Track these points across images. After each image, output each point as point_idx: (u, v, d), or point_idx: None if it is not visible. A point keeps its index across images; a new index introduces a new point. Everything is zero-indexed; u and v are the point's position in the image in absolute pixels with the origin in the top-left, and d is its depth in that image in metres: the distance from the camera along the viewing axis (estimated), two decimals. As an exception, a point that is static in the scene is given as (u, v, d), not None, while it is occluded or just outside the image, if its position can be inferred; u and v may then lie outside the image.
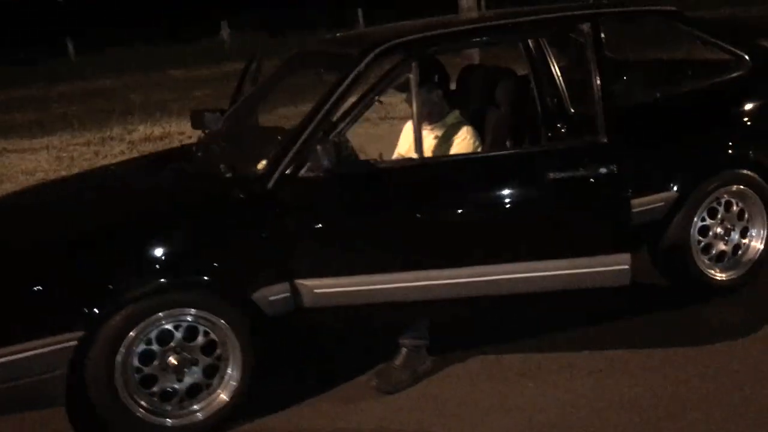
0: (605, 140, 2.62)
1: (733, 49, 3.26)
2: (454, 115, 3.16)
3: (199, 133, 3.72)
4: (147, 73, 15.74)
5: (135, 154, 7.23)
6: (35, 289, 2.42)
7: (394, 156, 3.31)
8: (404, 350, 2.87)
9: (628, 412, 2.52)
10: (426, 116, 3.12)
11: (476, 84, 3.16)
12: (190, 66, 16.41)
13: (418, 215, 2.66)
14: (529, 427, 2.52)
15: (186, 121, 8.66)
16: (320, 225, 2.65)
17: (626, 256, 2.64)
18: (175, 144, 7.67)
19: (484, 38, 3.25)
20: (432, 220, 2.68)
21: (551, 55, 3.03)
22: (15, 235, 2.77)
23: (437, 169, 2.81)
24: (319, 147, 2.48)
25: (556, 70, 3.03)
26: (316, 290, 2.64)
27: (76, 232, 2.62)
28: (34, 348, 2.39)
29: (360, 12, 18.50)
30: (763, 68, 3.24)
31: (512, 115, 3.06)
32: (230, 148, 3.11)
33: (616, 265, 2.65)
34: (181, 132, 8.19)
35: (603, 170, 2.57)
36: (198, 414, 2.62)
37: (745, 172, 3.16)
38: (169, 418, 2.59)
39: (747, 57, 3.23)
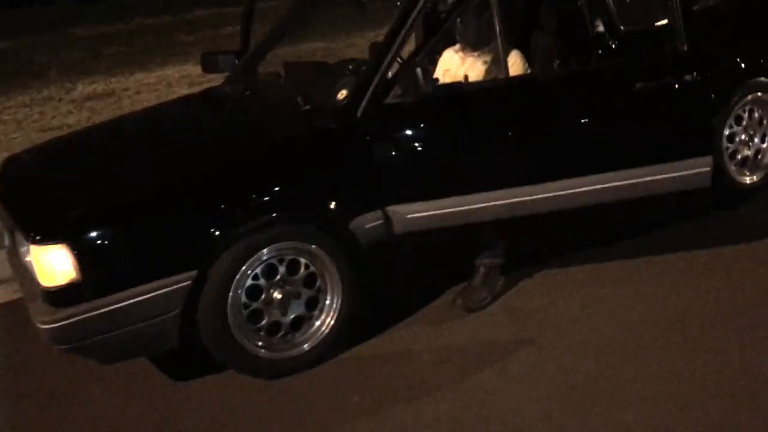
0: (686, 49, 2.78)
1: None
2: (500, 41, 3.21)
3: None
4: (45, 33, 14.87)
5: (85, 113, 6.91)
6: (150, 232, 2.36)
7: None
8: (482, 270, 2.98)
9: (698, 309, 2.74)
10: (474, 42, 3.19)
11: (518, 7, 3.22)
12: (93, 23, 15.61)
13: (507, 134, 2.73)
14: (617, 325, 2.69)
15: (126, 77, 8.50)
16: (409, 150, 2.67)
17: (708, 159, 2.82)
18: (125, 98, 7.41)
19: None
20: (521, 138, 2.76)
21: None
22: (111, 175, 2.67)
23: (524, 88, 2.87)
24: (419, 70, 2.49)
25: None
26: (407, 216, 2.68)
27: (179, 174, 2.55)
28: (152, 290, 2.34)
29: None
30: None
31: (557, 36, 3.16)
32: (291, 83, 3.06)
33: (700, 167, 2.83)
34: (125, 88, 7.88)
35: (687, 77, 2.73)
36: (303, 345, 2.64)
37: (763, 79, 3.40)
38: (277, 351, 2.60)
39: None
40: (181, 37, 12.49)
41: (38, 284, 2.34)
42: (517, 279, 3.08)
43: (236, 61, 3.67)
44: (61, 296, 2.29)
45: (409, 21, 2.69)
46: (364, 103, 2.61)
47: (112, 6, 17.20)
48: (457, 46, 3.26)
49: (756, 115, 3.48)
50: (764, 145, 3.53)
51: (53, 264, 2.26)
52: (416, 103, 2.63)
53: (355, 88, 2.68)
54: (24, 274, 2.57)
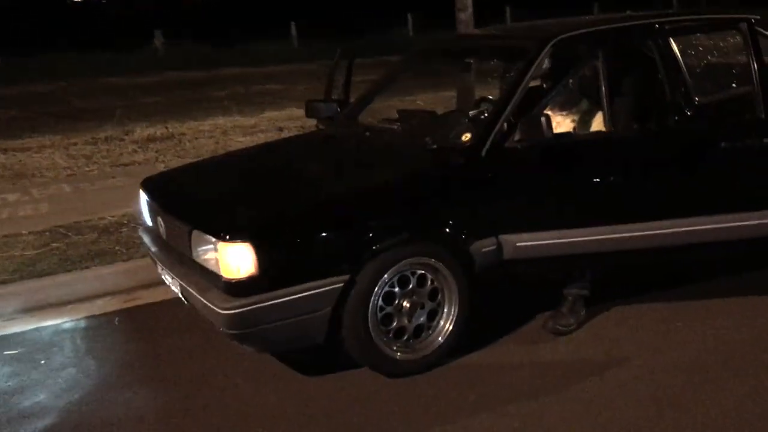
0: (763, 116, 3.28)
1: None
2: (586, 103, 3.73)
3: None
4: (80, 79, 15.51)
5: (151, 153, 7.38)
6: (316, 238, 2.77)
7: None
8: (570, 299, 3.39)
9: (745, 347, 3.12)
10: (562, 104, 3.69)
11: (602, 73, 3.70)
12: (126, 74, 16.27)
13: (607, 180, 3.17)
14: (688, 356, 3.08)
15: (177, 123, 9.01)
16: (522, 188, 3.11)
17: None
18: (185, 142, 7.90)
19: (642, 36, 3.69)
20: (618, 184, 3.19)
21: (678, 51, 3.65)
22: (272, 192, 3.11)
23: (625, 141, 3.35)
24: (543, 119, 2.96)
25: (683, 65, 3.65)
26: (517, 244, 3.11)
27: (333, 194, 2.98)
28: (312, 288, 2.74)
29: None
30: None
31: (637, 101, 3.65)
32: (412, 127, 3.54)
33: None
34: (182, 133, 8.38)
35: (765, 140, 3.23)
36: (421, 351, 3.03)
37: None
38: (400, 353, 2.99)
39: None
40: (213, 93, 13.06)
41: (220, 277, 2.74)
42: (601, 309, 3.50)
43: (338, 110, 4.17)
44: (240, 287, 2.69)
45: (526, 79, 3.18)
46: (487, 145, 3.07)
47: (140, 59, 17.97)
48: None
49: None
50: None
51: (237, 260, 2.67)
52: (531, 148, 3.08)
53: (479, 132, 3.15)
54: (192, 270, 2.97)
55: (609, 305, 3.54)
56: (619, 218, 3.16)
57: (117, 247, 4.71)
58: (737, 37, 3.57)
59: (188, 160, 6.09)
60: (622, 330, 3.34)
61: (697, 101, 3.60)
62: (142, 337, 3.65)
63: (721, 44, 4.70)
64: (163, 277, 3.35)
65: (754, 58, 3.28)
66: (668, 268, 3.63)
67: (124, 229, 5.05)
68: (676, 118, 3.58)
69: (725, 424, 2.59)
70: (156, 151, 7.46)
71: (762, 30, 3.78)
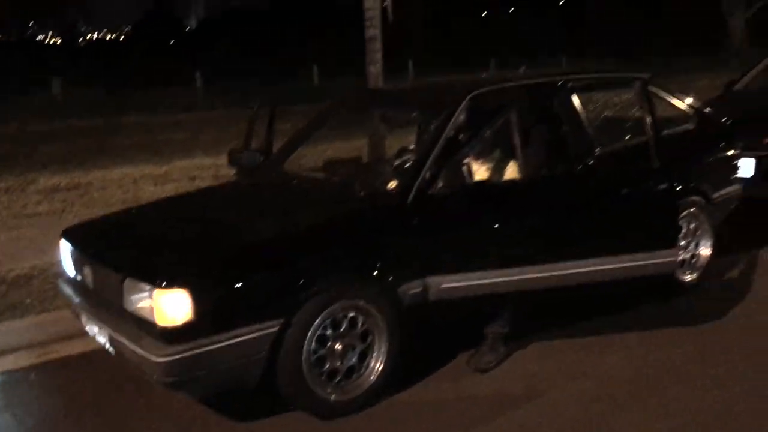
0: (658, 165, 3.60)
1: (684, 107, 4.50)
2: (499, 152, 3.99)
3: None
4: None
5: (57, 204, 7.17)
6: (251, 283, 2.84)
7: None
8: (490, 337, 3.57)
9: (647, 374, 3.38)
10: (477, 153, 3.92)
11: (513, 128, 3.97)
12: (23, 122, 15.70)
13: (521, 224, 3.40)
14: (600, 386, 3.31)
15: (84, 172, 8.79)
16: (445, 232, 3.29)
17: (675, 251, 3.59)
18: (93, 191, 7.71)
19: (549, 92, 3.94)
20: (531, 227, 3.43)
21: (580, 106, 3.98)
22: (204, 238, 3.17)
23: (536, 188, 3.60)
24: (463, 168, 3.17)
25: (584, 118, 3.97)
26: (442, 285, 3.27)
27: (266, 240, 3.06)
28: (249, 333, 2.80)
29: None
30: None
31: (545, 151, 3.93)
32: (339, 175, 3.67)
33: (670, 257, 3.58)
34: (88, 182, 8.18)
35: (660, 186, 3.54)
36: (354, 392, 3.11)
37: (695, 198, 4.31)
38: (334, 395, 3.06)
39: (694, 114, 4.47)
40: (117, 141, 12.79)
41: (154, 325, 2.74)
42: (518, 346, 3.68)
43: (261, 159, 4.27)
44: (176, 334, 2.71)
45: (447, 130, 3.39)
46: (413, 192, 3.24)
47: (41, 106, 17.40)
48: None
49: (692, 226, 4.35)
50: (697, 251, 4.39)
51: (173, 306, 2.69)
52: (452, 195, 3.28)
53: (405, 180, 3.32)
54: (123, 320, 2.95)
55: (526, 341, 3.74)
56: (531, 259, 3.38)
57: (28, 300, 4.56)
58: (631, 94, 3.95)
59: (97, 211, 5.98)
60: (539, 364, 3.53)
61: (598, 152, 3.93)
62: (60, 391, 3.56)
63: (616, 100, 5.14)
64: (87, 328, 3.30)
65: (648, 113, 3.64)
66: (579, 305, 3.88)
67: (34, 282, 4.89)
68: (580, 167, 3.89)
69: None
70: (62, 201, 7.26)
71: (652, 87, 4.19)
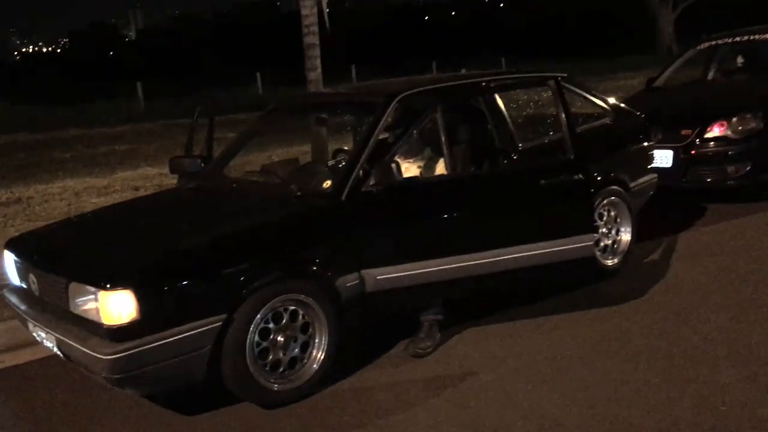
0: (572, 157, 3.86)
1: (602, 104, 4.81)
2: (428, 150, 4.21)
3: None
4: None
5: (-2, 217, 7.13)
6: (193, 281, 2.98)
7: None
8: (426, 324, 3.78)
9: (571, 352, 3.67)
10: (408, 152, 4.14)
11: (442, 127, 4.19)
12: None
13: (450, 216, 3.61)
14: (528, 365, 3.54)
15: (23, 187, 8.72)
16: (379, 226, 3.49)
17: (592, 236, 3.86)
18: (34, 205, 7.68)
19: (472, 92, 4.25)
20: (459, 219, 3.63)
21: (502, 105, 4.23)
22: (146, 240, 3.29)
23: (463, 182, 3.83)
24: (393, 165, 3.37)
25: (507, 116, 4.22)
26: (377, 277, 3.46)
27: (206, 240, 3.20)
28: (192, 329, 2.95)
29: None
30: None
31: (471, 148, 4.17)
32: (277, 177, 3.84)
33: (587, 241, 3.83)
34: (29, 197, 8.15)
35: (576, 176, 3.81)
36: (297, 381, 3.28)
37: (614, 187, 4.60)
38: (278, 384, 3.22)
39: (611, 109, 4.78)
40: (56, 155, 12.66)
41: (101, 325, 2.87)
42: (453, 332, 3.91)
43: (202, 165, 4.40)
44: (122, 333, 2.84)
45: (376, 131, 3.60)
46: (346, 190, 3.44)
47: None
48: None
49: (612, 213, 4.65)
50: (618, 237, 4.69)
51: (119, 306, 2.82)
52: (384, 191, 3.47)
53: (339, 179, 3.51)
54: (70, 323, 3.06)
55: (461, 327, 3.97)
56: (461, 249, 3.60)
57: (-27, 313, 4.59)
58: (549, 92, 4.22)
59: (39, 224, 6.00)
60: (472, 348, 3.76)
61: (520, 147, 4.19)
62: (11, 398, 3.64)
63: (536, 98, 5.44)
64: (35, 334, 3.39)
65: (562, 109, 3.90)
66: (510, 293, 4.13)
67: (-22, 295, 4.92)
68: (504, 161, 4.14)
69: (562, 417, 3.04)
70: (3, 216, 7.22)
71: (568, 85, 4.47)
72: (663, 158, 5.98)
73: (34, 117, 17.61)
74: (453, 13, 49.49)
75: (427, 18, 47.18)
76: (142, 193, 7.70)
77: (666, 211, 6.01)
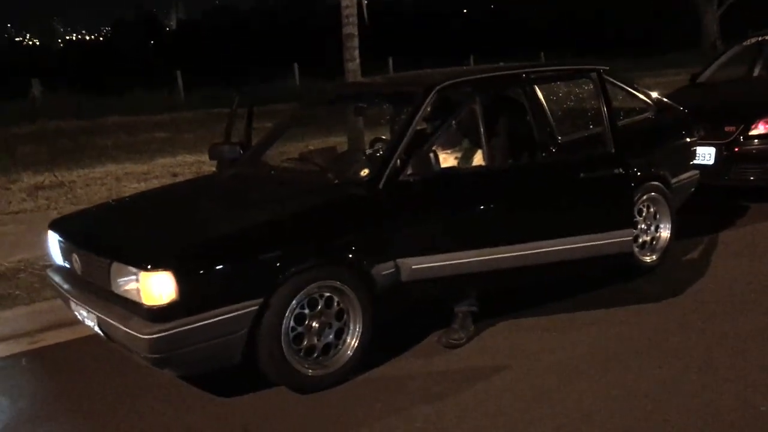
0: (613, 151, 3.82)
1: (644, 98, 4.74)
2: (467, 142, 4.20)
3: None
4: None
5: (41, 201, 7.29)
6: (231, 266, 3.02)
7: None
8: (460, 315, 3.78)
9: (607, 349, 3.63)
10: (446, 143, 4.13)
11: (479, 115, 4.15)
12: (4, 124, 15.72)
13: (489, 207, 3.60)
14: (562, 360, 3.51)
15: (69, 171, 8.91)
16: (416, 215, 3.49)
17: (632, 230, 3.81)
18: (76, 189, 7.84)
19: (511, 84, 4.24)
20: (498, 211, 3.63)
21: (543, 97, 4.20)
22: (187, 224, 3.35)
23: (501, 174, 3.81)
24: (431, 156, 3.37)
25: (547, 108, 4.19)
26: (413, 266, 3.46)
27: (247, 226, 3.24)
28: (230, 311, 2.98)
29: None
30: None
31: (510, 140, 4.15)
32: (315, 164, 3.87)
33: (626, 236, 3.79)
34: (71, 180, 8.32)
35: (616, 170, 3.77)
36: (331, 367, 3.31)
37: (655, 183, 4.54)
38: (312, 370, 3.26)
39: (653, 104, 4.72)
40: (98, 141, 12.88)
41: (141, 305, 2.93)
42: (487, 324, 3.90)
43: (241, 152, 4.45)
44: (161, 313, 2.89)
45: (411, 126, 3.59)
46: (383, 179, 3.44)
47: (18, 109, 17.39)
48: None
49: (652, 209, 4.59)
50: (657, 234, 4.63)
51: (159, 287, 2.87)
52: (421, 181, 3.47)
53: (376, 167, 3.52)
54: (111, 302, 3.13)
55: (495, 320, 3.96)
56: (497, 241, 3.59)
57: (17, 292, 4.72)
58: (590, 85, 4.17)
59: (82, 207, 6.12)
60: (505, 341, 3.75)
61: (560, 139, 4.15)
62: (52, 375, 3.73)
63: (577, 90, 5.37)
64: (77, 313, 3.47)
65: (603, 102, 3.86)
66: (547, 286, 4.10)
67: (22, 275, 5.04)
68: (543, 153, 4.10)
69: (594, 412, 3.02)
70: (46, 199, 7.40)
71: (610, 78, 4.41)
72: (705, 155, 5.88)
73: (77, 104, 17.94)
74: (491, 6, 49.23)
75: (465, 11, 46.92)
76: (180, 179, 7.81)
77: (707, 209, 5.92)
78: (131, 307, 3.00)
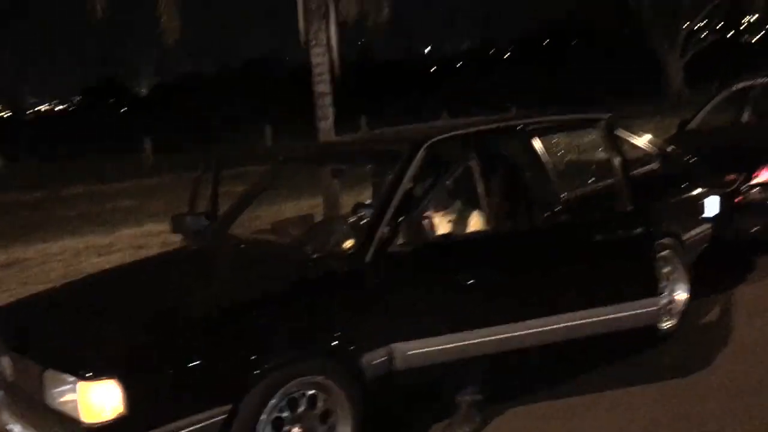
0: (630, 208, 3.38)
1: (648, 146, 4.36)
2: (459, 203, 3.74)
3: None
4: None
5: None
6: (191, 367, 2.49)
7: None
8: (463, 406, 3.25)
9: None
10: (437, 205, 3.67)
11: (475, 174, 3.73)
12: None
13: (494, 278, 3.13)
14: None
15: (22, 248, 8.31)
16: (410, 293, 3.00)
17: (657, 299, 3.35)
18: (31, 267, 7.25)
19: (509, 138, 3.78)
20: (501, 283, 3.16)
21: (542, 150, 3.77)
22: (136, 319, 2.81)
23: (503, 240, 3.35)
24: (425, 222, 2.90)
25: (547, 163, 3.76)
26: (408, 352, 2.96)
27: (208, 316, 2.73)
28: (192, 423, 2.45)
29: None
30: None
31: (509, 200, 3.70)
32: (290, 236, 3.37)
33: (651, 306, 3.33)
34: (26, 258, 7.73)
35: (635, 230, 3.32)
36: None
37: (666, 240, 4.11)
38: (296, 484, 2.70)
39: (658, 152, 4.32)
40: (60, 212, 12.32)
41: (79, 423, 2.37)
42: (494, 413, 3.37)
43: (207, 222, 3.95)
44: None
45: (399, 188, 3.12)
46: (371, 251, 2.96)
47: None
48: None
49: (665, 270, 4.14)
50: (674, 296, 4.18)
51: (102, 400, 2.33)
52: (415, 252, 3.00)
53: (362, 238, 3.04)
54: (46, 417, 2.56)
55: (503, 407, 3.43)
56: (504, 318, 3.11)
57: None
58: (593, 135, 3.77)
59: (34, 288, 5.56)
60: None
61: (569, 198, 3.71)
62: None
63: (576, 142, 5.00)
64: (8, 426, 2.89)
65: (615, 154, 3.44)
66: (559, 363, 3.60)
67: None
68: (551, 214, 3.65)
69: None
70: (-2, 276, 6.81)
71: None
72: (710, 205, 5.49)
73: (42, 174, 17.41)
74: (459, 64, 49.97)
75: (434, 69, 47.53)
76: (145, 252, 7.26)
77: (714, 263, 5.50)
78: (68, 425, 2.44)
